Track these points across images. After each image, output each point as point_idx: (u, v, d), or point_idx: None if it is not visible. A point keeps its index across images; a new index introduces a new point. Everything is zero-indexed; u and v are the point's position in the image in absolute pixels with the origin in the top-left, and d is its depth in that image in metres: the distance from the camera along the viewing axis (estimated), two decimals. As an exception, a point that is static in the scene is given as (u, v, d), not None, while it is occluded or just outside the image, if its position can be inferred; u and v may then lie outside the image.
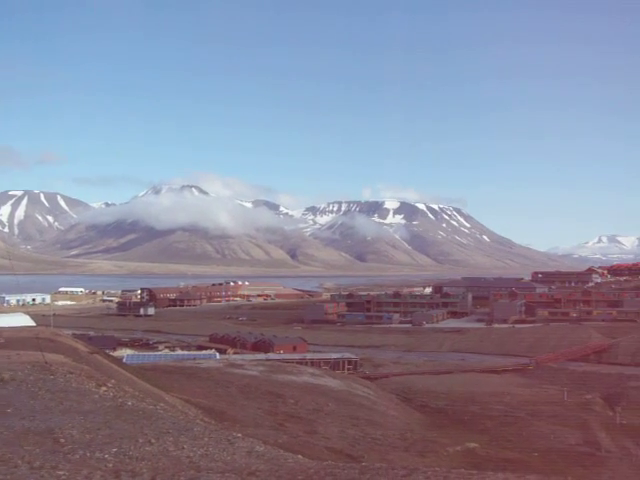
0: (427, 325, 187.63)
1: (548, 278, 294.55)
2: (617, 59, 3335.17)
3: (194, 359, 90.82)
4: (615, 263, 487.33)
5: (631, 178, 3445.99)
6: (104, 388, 26.66)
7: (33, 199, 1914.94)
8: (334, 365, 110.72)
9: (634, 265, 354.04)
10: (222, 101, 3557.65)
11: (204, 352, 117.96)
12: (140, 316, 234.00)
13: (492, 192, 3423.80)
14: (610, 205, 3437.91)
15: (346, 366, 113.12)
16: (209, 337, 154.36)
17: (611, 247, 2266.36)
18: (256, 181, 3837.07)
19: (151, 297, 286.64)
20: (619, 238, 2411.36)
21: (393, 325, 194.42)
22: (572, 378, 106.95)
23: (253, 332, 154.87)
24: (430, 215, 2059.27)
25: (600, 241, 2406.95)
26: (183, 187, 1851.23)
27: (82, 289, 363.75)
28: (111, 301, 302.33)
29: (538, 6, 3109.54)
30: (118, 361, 57.17)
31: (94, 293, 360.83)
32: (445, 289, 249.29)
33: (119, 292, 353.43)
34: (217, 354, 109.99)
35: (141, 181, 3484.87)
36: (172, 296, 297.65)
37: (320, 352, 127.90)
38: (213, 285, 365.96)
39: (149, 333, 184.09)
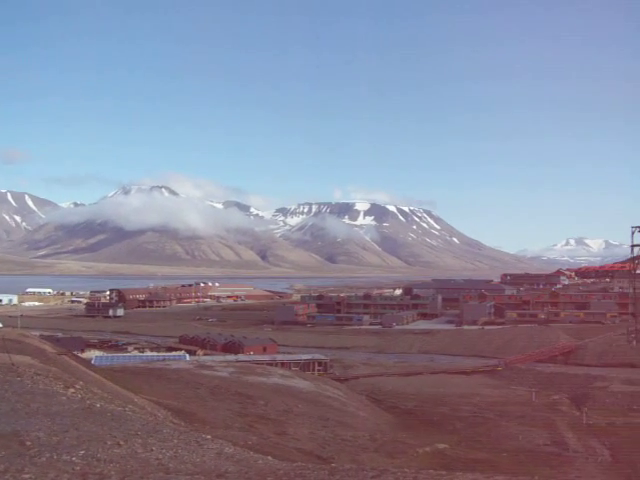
0: (397, 326, 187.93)
1: (517, 280, 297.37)
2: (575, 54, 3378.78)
3: (164, 360, 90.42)
4: (582, 265, 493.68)
5: (598, 181, 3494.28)
6: (72, 390, 26.40)
7: (0, 199, 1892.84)
8: (304, 366, 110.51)
9: (601, 267, 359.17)
10: (192, 102, 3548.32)
11: (174, 353, 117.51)
12: (109, 317, 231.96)
13: (462, 194, 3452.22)
14: (578, 208, 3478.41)
15: (316, 367, 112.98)
16: (179, 338, 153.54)
17: (579, 250, 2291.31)
18: (227, 182, 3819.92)
19: (120, 298, 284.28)
20: (586, 241, 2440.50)
21: (363, 326, 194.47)
22: (540, 379, 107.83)
23: (223, 333, 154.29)
24: (400, 217, 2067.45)
25: (568, 244, 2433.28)
26: (153, 188, 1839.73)
27: (50, 290, 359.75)
28: (80, 302, 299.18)
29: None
30: (86, 363, 56.72)
31: (62, 294, 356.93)
32: (415, 291, 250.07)
33: (88, 293, 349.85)
34: (187, 355, 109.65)
35: (110, 181, 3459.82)
36: (141, 297, 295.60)
37: (290, 353, 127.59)
38: (183, 286, 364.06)
39: (118, 334, 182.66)
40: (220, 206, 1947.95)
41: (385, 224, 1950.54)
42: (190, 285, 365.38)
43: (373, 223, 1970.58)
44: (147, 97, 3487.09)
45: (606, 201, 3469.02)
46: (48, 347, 47.88)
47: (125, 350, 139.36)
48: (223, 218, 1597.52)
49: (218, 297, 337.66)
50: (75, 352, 74.77)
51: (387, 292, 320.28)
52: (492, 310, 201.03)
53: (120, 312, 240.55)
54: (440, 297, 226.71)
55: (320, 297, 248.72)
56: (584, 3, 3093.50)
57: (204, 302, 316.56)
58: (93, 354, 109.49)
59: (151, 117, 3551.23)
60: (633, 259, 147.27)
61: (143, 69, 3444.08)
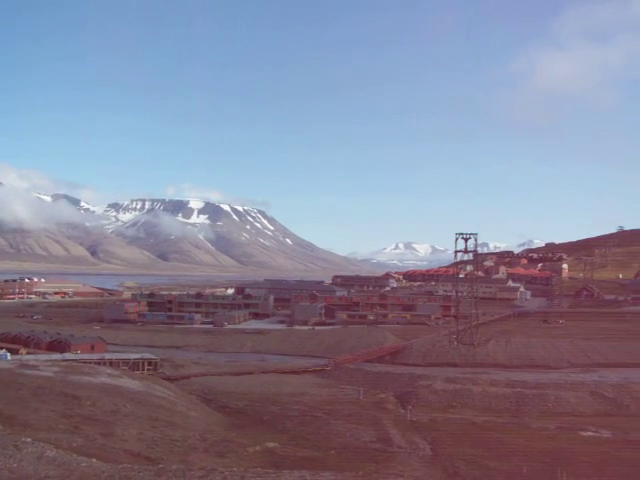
0: (229, 326, 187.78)
1: (348, 282, 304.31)
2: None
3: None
4: (410, 269, 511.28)
5: (426, 189, 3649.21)
6: None
7: None
8: (133, 366, 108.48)
9: (427, 271, 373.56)
10: (19, 90, 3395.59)
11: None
12: None
13: (296, 196, 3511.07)
14: (407, 214, 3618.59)
15: (146, 367, 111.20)
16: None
17: (407, 253, 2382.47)
18: (56, 174, 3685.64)
19: None
20: (414, 245, 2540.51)
21: (195, 325, 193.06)
22: (368, 378, 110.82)
23: (48, 331, 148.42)
24: (234, 216, 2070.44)
25: (397, 247, 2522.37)
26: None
27: None
28: None
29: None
30: None
31: None
32: (247, 290, 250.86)
33: None
34: (8, 354, 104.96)
35: None
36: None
37: (119, 352, 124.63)
38: (6, 282, 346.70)
39: None
40: (49, 199, 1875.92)
41: (219, 223, 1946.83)
42: (14, 280, 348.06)
43: (207, 222, 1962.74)
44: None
45: (433, 208, 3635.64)
46: None
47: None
48: (52, 211, 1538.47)
49: (44, 293, 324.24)
50: None
51: (219, 291, 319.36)
52: (323, 311, 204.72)
53: None
54: (272, 297, 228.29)
55: (151, 295, 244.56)
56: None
57: (29, 298, 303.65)
58: None
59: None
60: (456, 264, 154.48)
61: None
